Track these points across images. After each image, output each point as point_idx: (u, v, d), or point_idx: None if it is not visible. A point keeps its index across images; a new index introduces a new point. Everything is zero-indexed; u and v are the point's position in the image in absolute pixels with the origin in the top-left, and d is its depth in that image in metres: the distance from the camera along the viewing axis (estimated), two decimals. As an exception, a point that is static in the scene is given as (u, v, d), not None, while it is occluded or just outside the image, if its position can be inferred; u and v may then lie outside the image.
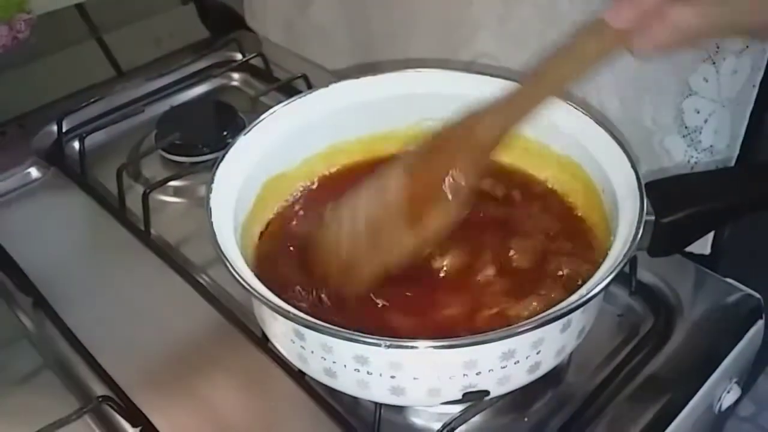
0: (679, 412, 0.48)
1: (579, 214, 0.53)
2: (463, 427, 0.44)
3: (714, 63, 0.61)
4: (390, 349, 0.39)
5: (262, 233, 0.53)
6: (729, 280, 0.55)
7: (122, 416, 0.48)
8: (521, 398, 0.49)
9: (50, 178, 0.69)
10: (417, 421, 0.49)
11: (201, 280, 0.59)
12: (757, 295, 0.54)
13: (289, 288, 0.49)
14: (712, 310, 0.54)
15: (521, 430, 0.48)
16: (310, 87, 0.74)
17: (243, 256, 0.47)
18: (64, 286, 0.59)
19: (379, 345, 0.38)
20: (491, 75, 0.56)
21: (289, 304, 0.42)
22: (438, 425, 0.44)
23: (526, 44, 0.70)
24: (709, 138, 0.64)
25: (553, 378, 0.50)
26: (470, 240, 0.50)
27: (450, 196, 0.45)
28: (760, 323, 0.53)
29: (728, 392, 0.53)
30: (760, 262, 0.72)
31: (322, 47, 0.86)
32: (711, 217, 0.47)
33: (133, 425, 0.48)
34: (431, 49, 0.77)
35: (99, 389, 0.51)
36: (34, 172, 0.70)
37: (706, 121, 0.63)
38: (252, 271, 0.49)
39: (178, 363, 0.53)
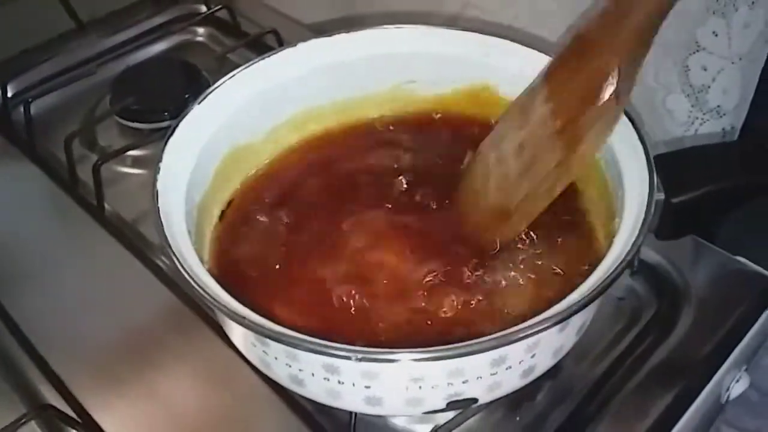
0: (688, 406, 0.44)
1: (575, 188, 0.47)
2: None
3: (724, 15, 0.56)
4: (362, 363, 0.34)
5: (222, 213, 0.48)
6: (739, 258, 0.51)
7: (68, 425, 0.43)
8: (513, 394, 0.44)
9: (-3, 148, 0.64)
10: (398, 423, 0.44)
11: (159, 263, 0.54)
12: (770, 274, 0.50)
13: (255, 274, 0.44)
14: (721, 292, 0.49)
15: (517, 427, 0.44)
16: (281, 42, 0.69)
17: (198, 243, 0.42)
18: (8, 269, 0.54)
19: (349, 358, 0.33)
20: (479, 32, 0.50)
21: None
22: (421, 427, 0.41)
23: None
24: (717, 98, 0.60)
25: (548, 370, 0.45)
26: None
27: (608, 101, 0.40)
28: (773, 306, 0.49)
29: (737, 381, 0.49)
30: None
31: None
32: (728, 197, 0.42)
33: (81, 432, 0.44)
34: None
35: (45, 389, 0.46)
36: (-24, 142, 0.64)
37: (713, 80, 0.59)
38: (209, 260, 0.45)
39: (134, 356, 0.48)
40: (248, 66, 0.49)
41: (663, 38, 0.58)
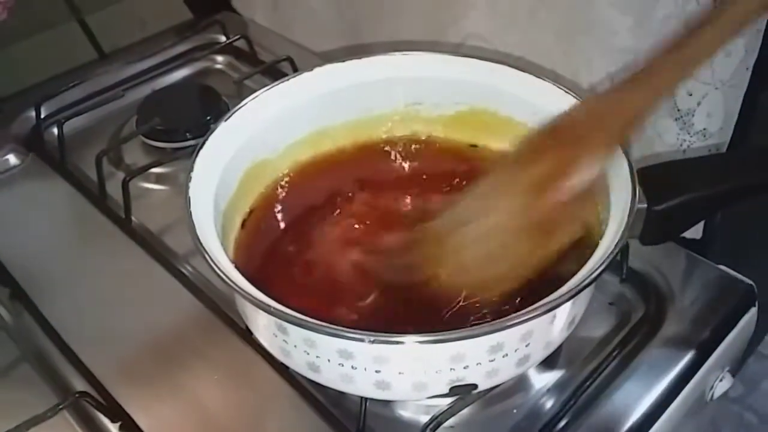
0: (672, 401, 0.47)
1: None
2: (450, 420, 0.43)
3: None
4: (374, 344, 0.38)
5: (244, 221, 0.52)
6: (721, 266, 0.54)
7: (101, 412, 0.47)
8: (510, 390, 0.48)
9: (29, 165, 0.68)
10: (404, 413, 0.48)
11: (183, 270, 0.57)
12: (750, 282, 0.53)
13: (274, 275, 0.48)
14: (704, 297, 0.53)
15: (511, 423, 0.47)
16: (296, 70, 0.73)
17: (224, 246, 0.46)
18: (43, 277, 0.57)
19: (362, 340, 0.37)
20: (482, 58, 0.54)
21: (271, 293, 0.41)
22: (425, 418, 0.43)
23: (516, 25, 0.68)
24: (702, 121, 0.63)
25: (543, 368, 0.49)
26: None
27: (579, 196, 0.42)
28: (753, 311, 0.52)
29: (720, 381, 0.52)
30: (752, 247, 0.72)
31: (308, 28, 0.84)
32: (705, 204, 0.46)
33: (113, 421, 0.47)
34: (420, 29, 0.76)
35: (78, 383, 0.50)
36: (12, 159, 0.68)
37: (698, 104, 0.63)
38: (233, 261, 0.49)
39: (160, 355, 0.51)
40: (269, 88, 0.53)
41: (651, 65, 0.62)
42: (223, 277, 0.40)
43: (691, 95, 0.62)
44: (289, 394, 0.48)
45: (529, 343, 0.41)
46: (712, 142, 0.64)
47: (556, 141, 0.43)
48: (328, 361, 0.41)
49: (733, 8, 0.40)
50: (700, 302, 0.52)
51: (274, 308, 0.39)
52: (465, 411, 0.45)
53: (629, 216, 0.41)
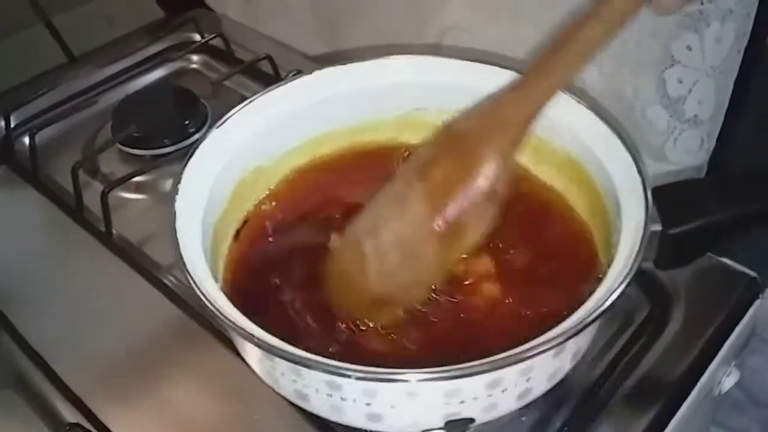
0: (683, 401, 0.46)
1: (580, 219, 0.49)
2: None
3: (697, 30, 0.59)
4: (360, 382, 0.36)
5: (238, 231, 0.50)
6: (724, 259, 0.53)
7: (93, 441, 0.45)
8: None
9: (0, 178, 0.65)
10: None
11: (167, 282, 0.55)
12: (754, 274, 0.52)
13: (269, 289, 0.46)
14: (708, 292, 0.52)
15: (521, 430, 0.46)
16: (276, 68, 0.71)
17: (213, 259, 0.44)
18: (21, 295, 0.55)
19: (348, 376, 0.35)
20: (488, 63, 0.52)
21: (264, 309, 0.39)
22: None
23: (497, 15, 0.67)
24: (693, 108, 0.62)
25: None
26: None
27: (486, 196, 0.41)
28: (758, 303, 0.51)
29: (728, 375, 0.51)
30: (754, 237, 0.71)
31: (283, 22, 0.82)
32: (726, 228, 0.43)
33: (105, 449, 0.45)
34: (398, 21, 0.74)
35: (65, 408, 0.48)
36: (-18, 172, 0.65)
37: (689, 91, 0.62)
38: (225, 273, 0.47)
39: (147, 372, 0.50)
40: (265, 93, 0.51)
41: (640, 53, 0.61)
42: (207, 303, 0.38)
43: (681, 82, 0.61)
44: (281, 406, 0.46)
45: (530, 378, 0.39)
46: (703, 129, 0.63)
47: (453, 147, 0.43)
48: (316, 391, 0.39)
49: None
50: (704, 297, 0.51)
51: (256, 338, 0.36)
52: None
53: (642, 241, 0.38)
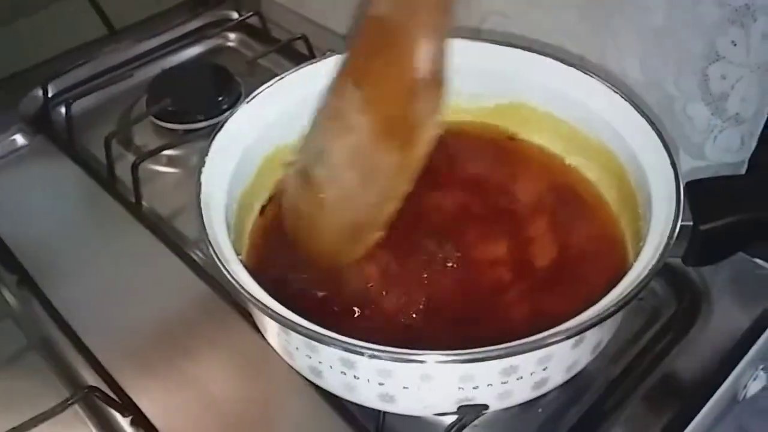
0: (705, 403, 0.45)
1: (612, 212, 0.48)
2: (475, 420, 0.41)
3: (743, 25, 0.57)
4: (373, 360, 0.35)
5: (263, 207, 0.50)
6: (758, 260, 0.52)
7: (111, 407, 0.45)
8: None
9: (37, 146, 0.66)
10: (425, 411, 0.46)
11: (194, 256, 0.55)
12: (787, 276, 0.51)
13: (292, 265, 0.45)
14: (739, 292, 0.50)
15: (535, 422, 0.45)
16: (311, 48, 0.70)
17: (237, 233, 0.44)
18: (51, 262, 0.56)
19: (362, 354, 0.35)
20: (525, 48, 0.51)
21: (290, 280, 0.39)
22: (451, 417, 0.41)
23: (539, 1, 0.66)
24: (736, 106, 0.61)
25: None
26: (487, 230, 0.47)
27: (428, 82, 0.38)
28: (790, 307, 0.50)
29: (754, 379, 0.50)
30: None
31: (322, 4, 0.81)
32: (760, 227, 0.41)
33: (123, 415, 0.45)
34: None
35: (86, 373, 0.48)
36: (19, 140, 0.66)
37: (732, 88, 0.60)
38: (249, 249, 0.47)
39: (170, 344, 0.50)
40: (296, 70, 0.51)
41: (683, 47, 0.59)
42: (226, 274, 0.38)
43: (724, 78, 0.60)
44: (303, 387, 0.46)
45: (546, 367, 0.38)
46: (745, 128, 0.62)
47: (378, 41, 0.40)
48: (330, 367, 0.39)
49: None
50: (734, 297, 0.50)
51: (271, 310, 0.36)
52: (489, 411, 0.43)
53: (671, 234, 0.38)
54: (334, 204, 0.41)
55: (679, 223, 0.38)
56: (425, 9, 0.38)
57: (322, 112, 0.42)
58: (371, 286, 0.44)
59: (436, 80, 0.38)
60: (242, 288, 0.37)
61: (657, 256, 0.37)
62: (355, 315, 0.43)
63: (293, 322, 0.36)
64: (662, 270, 0.50)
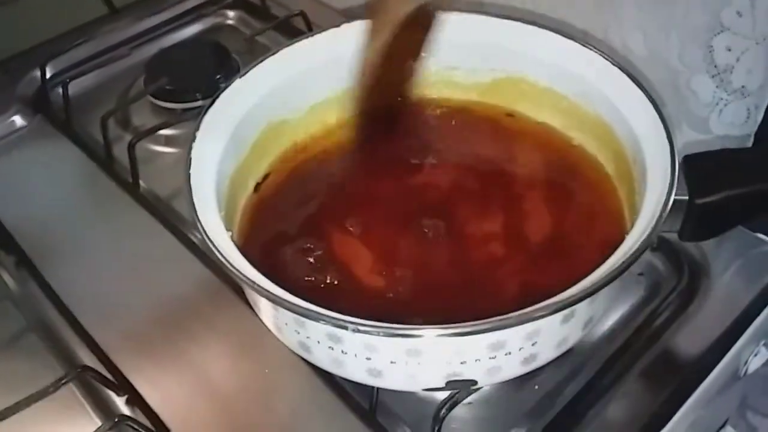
0: (704, 379, 0.45)
1: (611, 187, 0.47)
2: (470, 397, 0.41)
3: (750, -5, 0.56)
4: (359, 335, 0.35)
5: (258, 185, 0.50)
6: (759, 234, 0.51)
7: (105, 386, 0.45)
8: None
9: (35, 127, 0.66)
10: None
11: (192, 237, 0.55)
12: (790, 251, 0.50)
13: (285, 242, 0.45)
14: (740, 267, 0.50)
15: (532, 399, 0.45)
16: (309, 24, 0.70)
17: (229, 210, 0.44)
18: (48, 243, 0.56)
19: (345, 328, 0.35)
20: (522, 20, 0.51)
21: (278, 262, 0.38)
22: (443, 394, 0.41)
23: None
24: (741, 78, 0.60)
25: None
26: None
27: None
28: (793, 282, 0.49)
29: (755, 355, 0.49)
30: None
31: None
32: (757, 200, 0.41)
33: (118, 394, 0.46)
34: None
35: (83, 354, 0.48)
36: (18, 120, 0.66)
37: (738, 60, 0.59)
38: (241, 225, 0.46)
39: (167, 325, 0.50)
40: (291, 44, 0.50)
41: (687, 19, 0.58)
42: (213, 248, 0.37)
43: (730, 50, 0.59)
44: (299, 366, 0.46)
45: (536, 342, 0.37)
46: (751, 101, 0.61)
47: None
48: (318, 342, 0.39)
49: None
50: (735, 272, 0.50)
51: (257, 285, 0.36)
52: (485, 387, 0.43)
53: (664, 207, 0.37)
54: None
55: (673, 196, 0.38)
56: None
57: None
58: (361, 258, 0.44)
59: None
60: (229, 264, 0.37)
61: (649, 229, 0.36)
62: (344, 289, 0.43)
63: (280, 297, 0.36)
64: (662, 245, 0.51)
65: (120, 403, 0.46)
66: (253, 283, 0.36)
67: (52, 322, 0.51)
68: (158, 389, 0.46)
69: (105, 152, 0.61)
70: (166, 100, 0.65)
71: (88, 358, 0.48)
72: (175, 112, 0.65)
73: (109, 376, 0.46)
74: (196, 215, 0.39)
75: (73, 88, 0.66)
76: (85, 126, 0.65)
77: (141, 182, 0.59)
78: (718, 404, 0.50)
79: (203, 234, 0.38)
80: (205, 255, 0.53)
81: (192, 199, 0.40)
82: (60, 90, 0.66)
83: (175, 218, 0.57)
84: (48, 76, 0.68)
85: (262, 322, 0.46)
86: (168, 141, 0.63)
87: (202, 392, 0.46)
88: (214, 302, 0.51)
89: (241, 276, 0.37)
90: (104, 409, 0.46)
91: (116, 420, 0.43)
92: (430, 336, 0.34)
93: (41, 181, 0.61)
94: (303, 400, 0.46)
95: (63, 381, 0.44)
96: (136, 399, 0.46)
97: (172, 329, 0.49)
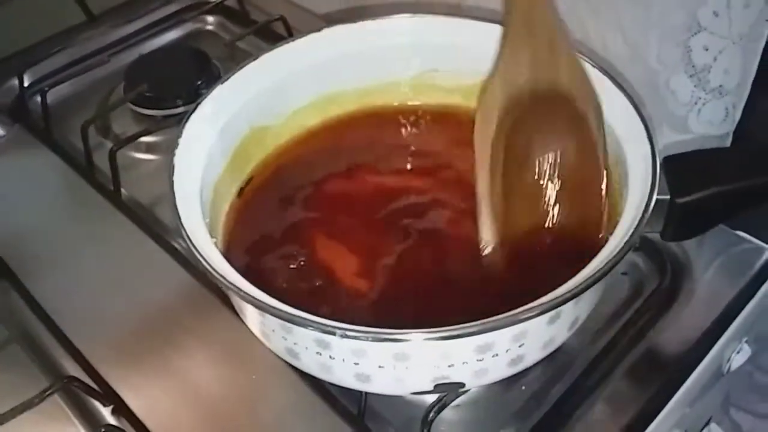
0: (687, 377, 0.45)
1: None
2: (457, 399, 0.41)
3: (726, -6, 0.56)
4: (347, 340, 0.35)
5: (242, 189, 0.49)
6: (739, 232, 0.51)
7: (91, 396, 0.45)
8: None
9: (14, 136, 0.65)
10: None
11: (176, 245, 0.55)
12: (770, 248, 0.51)
13: (269, 247, 0.45)
14: (721, 265, 0.50)
15: (519, 400, 0.45)
16: (289, 29, 0.70)
17: (213, 216, 0.44)
18: (29, 253, 0.55)
19: (333, 333, 0.35)
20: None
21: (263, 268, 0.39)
22: (432, 398, 0.41)
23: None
24: (718, 77, 0.60)
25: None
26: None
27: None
28: (773, 278, 0.50)
29: (738, 353, 0.50)
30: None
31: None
32: (737, 199, 0.41)
33: (104, 404, 0.45)
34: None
35: (68, 364, 0.48)
36: (-3, 130, 0.65)
37: (715, 60, 0.59)
38: (225, 231, 0.46)
39: (152, 334, 0.49)
40: (273, 49, 0.50)
41: (665, 19, 0.59)
42: (197, 255, 0.37)
43: (707, 50, 0.59)
44: (286, 372, 0.46)
45: (522, 344, 0.38)
46: (729, 100, 0.61)
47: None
48: (306, 348, 0.39)
49: None
50: (717, 270, 0.50)
51: (243, 292, 0.36)
52: (472, 389, 0.43)
53: (645, 208, 0.37)
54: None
55: (655, 197, 0.38)
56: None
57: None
58: (345, 262, 0.44)
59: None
60: (216, 272, 0.37)
61: (632, 230, 0.37)
62: (329, 293, 0.43)
63: (267, 303, 0.36)
64: (644, 244, 0.51)
65: (106, 413, 0.45)
66: (240, 290, 0.36)
67: (35, 332, 0.50)
68: (144, 398, 0.46)
69: (86, 160, 0.61)
70: (146, 107, 0.65)
71: (72, 369, 0.47)
72: (155, 119, 0.65)
73: (94, 386, 0.46)
74: (181, 222, 0.39)
75: (52, 96, 0.65)
76: (65, 134, 0.65)
77: (122, 189, 0.59)
78: (703, 402, 0.50)
79: (188, 242, 0.38)
80: (188, 262, 0.53)
81: (176, 206, 0.40)
82: (38, 98, 0.65)
83: (157, 225, 0.56)
84: (26, 84, 0.67)
85: (248, 329, 0.46)
86: (149, 148, 0.63)
87: (188, 401, 0.46)
88: (198, 309, 0.51)
89: (227, 284, 0.37)
90: (90, 419, 0.45)
91: (102, 430, 0.43)
92: (418, 339, 0.34)
93: (21, 191, 0.60)
94: (290, 406, 0.46)
95: (49, 392, 0.43)
96: (121, 409, 0.45)
97: (156, 337, 0.49)
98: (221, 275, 0.37)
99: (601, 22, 0.62)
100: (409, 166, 0.51)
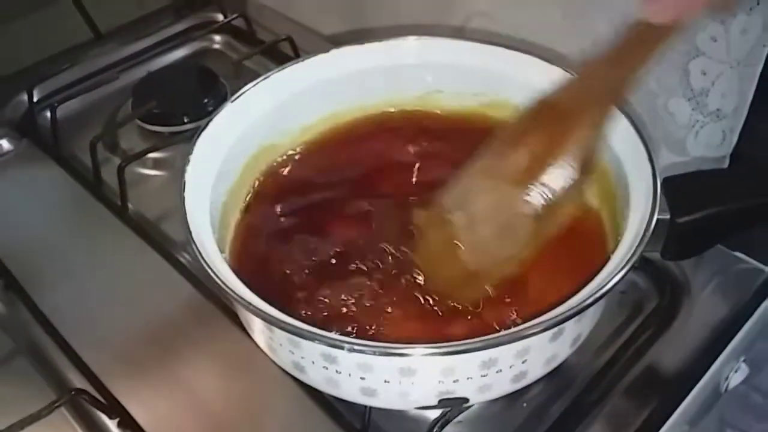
0: (686, 396, 0.46)
1: (592, 206, 0.48)
2: (460, 416, 0.42)
3: (723, 21, 0.58)
4: (354, 354, 0.36)
5: (248, 205, 0.50)
6: (737, 253, 0.52)
7: (98, 409, 0.45)
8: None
9: (23, 151, 0.66)
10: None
11: (181, 259, 0.56)
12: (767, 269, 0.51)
13: (275, 261, 0.46)
14: (719, 285, 0.51)
15: (520, 417, 0.46)
16: (296, 49, 0.71)
17: (222, 233, 0.44)
18: (38, 266, 0.56)
19: (341, 347, 0.35)
20: (507, 47, 0.52)
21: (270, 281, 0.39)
22: (435, 413, 0.42)
23: (524, 1, 0.66)
24: (716, 101, 0.61)
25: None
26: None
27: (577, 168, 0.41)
28: (770, 299, 0.51)
29: (735, 372, 0.50)
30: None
31: (308, 5, 0.82)
32: (736, 219, 0.42)
33: (110, 417, 0.46)
34: (423, 6, 0.73)
35: (74, 377, 0.48)
36: (5, 144, 0.66)
37: (713, 84, 0.61)
38: (233, 246, 0.47)
39: (158, 347, 0.50)
40: (280, 70, 0.51)
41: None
42: (209, 270, 0.38)
43: (705, 74, 0.60)
44: (290, 386, 0.47)
45: (526, 360, 0.38)
46: (726, 123, 0.62)
47: (544, 118, 0.43)
48: (313, 363, 0.39)
49: None
50: (715, 290, 0.51)
51: (253, 306, 0.37)
52: (474, 405, 0.43)
53: (647, 228, 0.38)
54: (461, 248, 0.43)
55: (656, 217, 0.39)
56: (592, 104, 0.42)
57: (475, 167, 0.44)
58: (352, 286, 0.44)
59: (587, 167, 0.41)
60: (226, 286, 0.38)
61: (633, 249, 0.37)
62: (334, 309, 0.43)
63: (275, 317, 0.36)
64: (644, 264, 0.52)
65: (112, 425, 0.46)
66: (250, 304, 0.37)
67: (41, 344, 0.51)
68: (150, 411, 0.46)
69: (94, 175, 0.61)
70: (153, 124, 0.66)
71: (78, 381, 0.48)
72: (162, 136, 0.66)
73: (100, 398, 0.46)
74: (192, 238, 0.40)
75: (61, 111, 0.66)
76: (73, 149, 0.66)
77: (129, 204, 0.60)
78: (700, 419, 0.51)
79: (199, 257, 0.39)
80: (193, 276, 0.54)
81: (187, 222, 0.40)
82: (47, 114, 0.66)
83: (163, 240, 0.57)
84: (35, 99, 0.68)
85: (254, 343, 0.46)
86: (156, 164, 0.64)
87: (193, 414, 0.46)
88: (204, 323, 0.51)
89: (238, 298, 0.37)
90: (96, 431, 0.46)
91: (108, 442, 0.43)
92: (423, 354, 0.35)
93: (29, 205, 0.61)
94: (294, 420, 0.46)
95: (57, 404, 0.44)
96: (128, 421, 0.46)
97: (162, 351, 0.50)
98: (232, 290, 0.37)
99: (601, 44, 0.63)
100: (414, 181, 0.52)
